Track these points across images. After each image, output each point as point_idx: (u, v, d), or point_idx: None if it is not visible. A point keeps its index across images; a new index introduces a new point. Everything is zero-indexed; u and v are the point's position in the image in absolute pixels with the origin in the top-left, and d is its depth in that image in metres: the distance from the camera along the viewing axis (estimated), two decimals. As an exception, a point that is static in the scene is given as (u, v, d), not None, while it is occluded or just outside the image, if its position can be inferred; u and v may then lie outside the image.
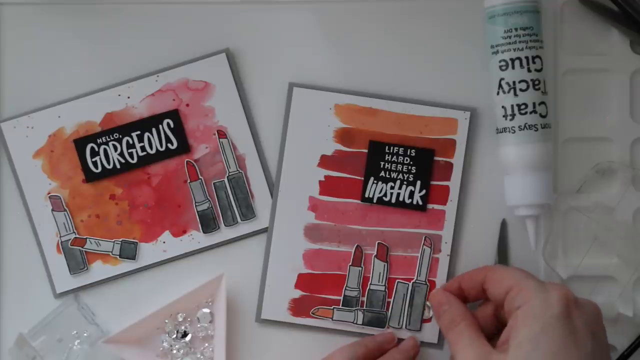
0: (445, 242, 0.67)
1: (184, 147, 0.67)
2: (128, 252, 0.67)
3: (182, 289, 0.66)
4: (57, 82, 0.68)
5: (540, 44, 0.65)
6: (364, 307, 0.66)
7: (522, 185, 0.64)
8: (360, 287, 0.67)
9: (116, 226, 0.67)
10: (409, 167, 0.67)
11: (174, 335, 0.67)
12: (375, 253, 0.67)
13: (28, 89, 0.68)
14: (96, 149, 0.67)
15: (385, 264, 0.67)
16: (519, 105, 0.64)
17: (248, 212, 0.67)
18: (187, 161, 0.67)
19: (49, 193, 0.67)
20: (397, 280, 0.67)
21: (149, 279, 0.68)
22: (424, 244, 0.67)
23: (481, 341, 0.58)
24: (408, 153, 0.67)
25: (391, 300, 0.66)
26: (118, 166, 0.67)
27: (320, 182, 0.67)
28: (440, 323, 0.63)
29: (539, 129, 0.64)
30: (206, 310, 0.67)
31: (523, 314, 0.56)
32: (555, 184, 0.67)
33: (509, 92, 0.64)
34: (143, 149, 0.67)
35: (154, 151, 0.67)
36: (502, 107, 0.64)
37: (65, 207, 0.67)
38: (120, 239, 0.67)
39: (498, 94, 0.65)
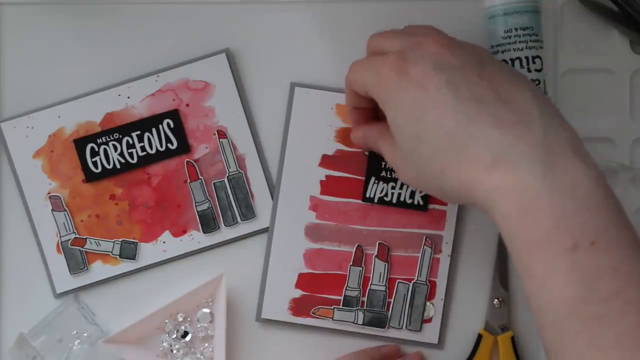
0: (446, 243, 0.67)
1: (184, 147, 0.67)
2: (128, 252, 0.67)
3: (182, 289, 0.66)
4: (57, 82, 0.68)
5: (540, 44, 0.65)
6: (365, 307, 0.66)
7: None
8: (360, 287, 0.67)
9: (116, 226, 0.67)
10: (410, 167, 0.67)
11: (174, 335, 0.67)
12: (376, 253, 0.67)
13: (28, 89, 0.68)
14: (96, 149, 0.67)
15: (386, 264, 0.66)
16: (519, 105, 0.64)
17: (248, 212, 0.67)
18: (187, 161, 0.67)
19: (49, 193, 0.67)
20: (398, 281, 0.67)
21: (149, 279, 0.68)
22: (424, 244, 0.67)
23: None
24: (408, 153, 0.67)
25: (392, 300, 0.66)
26: (118, 166, 0.67)
27: (321, 181, 0.67)
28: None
29: (540, 129, 0.64)
30: (206, 310, 0.67)
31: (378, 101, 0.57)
32: (555, 184, 0.67)
33: (509, 92, 0.64)
34: (143, 149, 0.67)
35: (154, 151, 0.67)
36: (503, 107, 0.65)
37: (65, 207, 0.67)
38: (120, 239, 0.67)
39: (498, 93, 0.65)
